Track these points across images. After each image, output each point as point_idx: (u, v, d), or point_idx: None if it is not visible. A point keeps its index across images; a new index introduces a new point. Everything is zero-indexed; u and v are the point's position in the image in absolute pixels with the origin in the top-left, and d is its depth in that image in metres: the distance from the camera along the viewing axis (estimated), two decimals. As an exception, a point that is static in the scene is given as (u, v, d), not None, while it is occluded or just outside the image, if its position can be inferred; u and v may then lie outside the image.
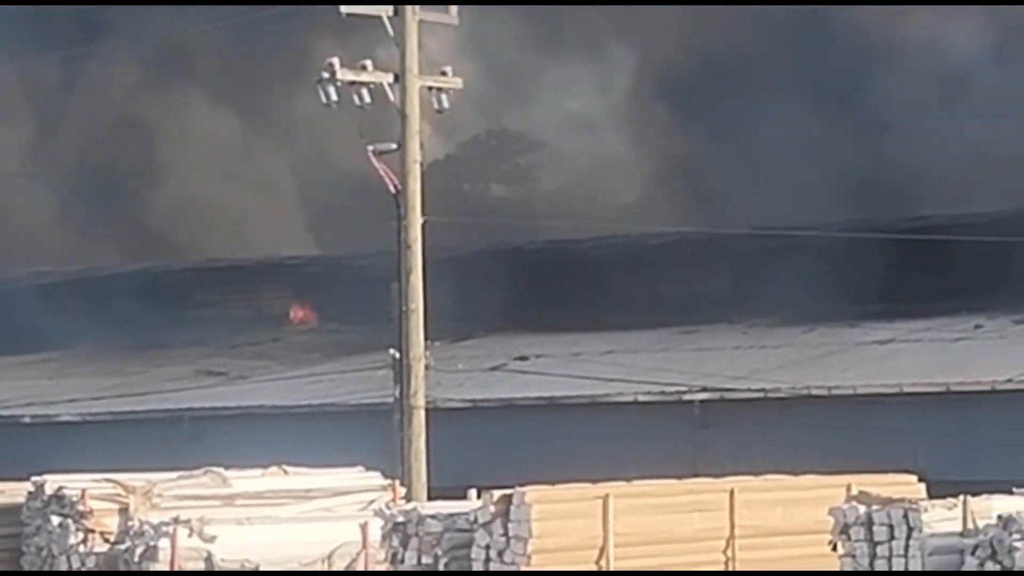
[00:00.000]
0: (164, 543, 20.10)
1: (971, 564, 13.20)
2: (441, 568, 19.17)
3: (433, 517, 16.70)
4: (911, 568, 15.69)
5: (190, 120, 47.87)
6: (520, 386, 33.96)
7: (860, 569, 15.33)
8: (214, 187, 46.66)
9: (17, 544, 21.73)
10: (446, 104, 24.85)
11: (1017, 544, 12.40)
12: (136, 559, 20.63)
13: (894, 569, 16.58)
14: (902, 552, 14.23)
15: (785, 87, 40.45)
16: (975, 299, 33.71)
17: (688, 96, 43.37)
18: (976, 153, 39.47)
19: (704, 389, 29.71)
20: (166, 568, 20.70)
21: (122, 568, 21.66)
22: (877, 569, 16.12)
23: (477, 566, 16.01)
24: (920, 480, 21.22)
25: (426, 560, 16.59)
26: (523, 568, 18.89)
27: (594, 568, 19.23)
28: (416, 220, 24.32)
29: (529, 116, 47.41)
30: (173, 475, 21.87)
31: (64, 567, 21.47)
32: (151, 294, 42.30)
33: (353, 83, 24.02)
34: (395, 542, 16.83)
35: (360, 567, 19.93)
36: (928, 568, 13.49)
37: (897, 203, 40.35)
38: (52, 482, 20.98)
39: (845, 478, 20.31)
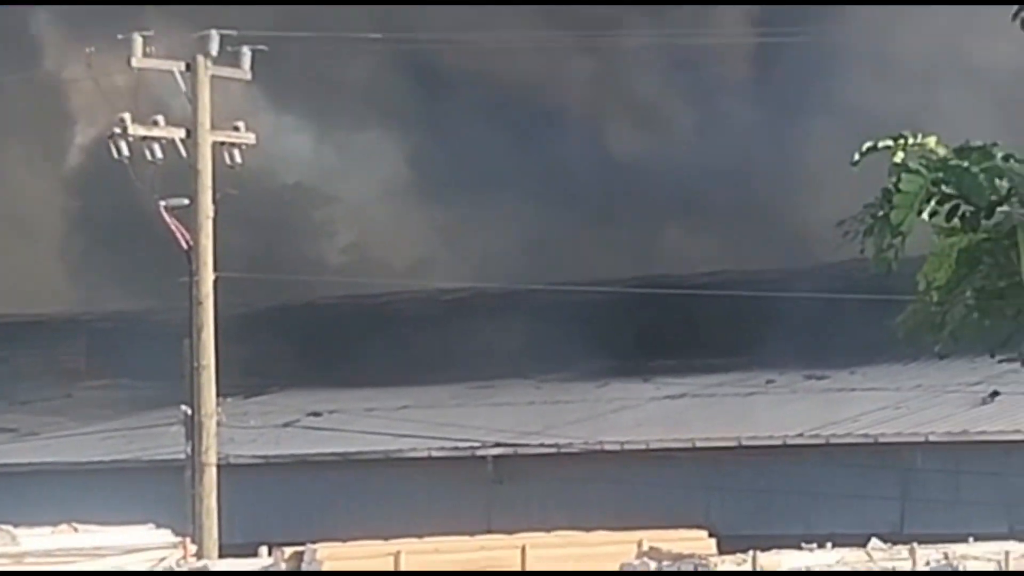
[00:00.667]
0: None
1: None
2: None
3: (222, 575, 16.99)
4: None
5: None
6: (313, 442, 33.96)
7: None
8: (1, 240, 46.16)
9: None
10: (239, 159, 24.76)
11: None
12: None
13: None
14: (694, 605, 14.82)
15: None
16: (767, 354, 34.35)
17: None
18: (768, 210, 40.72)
19: (497, 444, 29.85)
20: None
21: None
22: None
23: (265, 622, 16.43)
24: (711, 535, 21.88)
25: (213, 615, 16.94)
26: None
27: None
28: (208, 276, 24.30)
29: (324, 171, 47.43)
30: (-41, 534, 21.43)
31: None
32: (-63, 350, 41.72)
33: (145, 138, 23.87)
34: (184, 600, 17.04)
35: (150, 624, 20.35)
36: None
37: (690, 258, 41.04)
38: None
39: (637, 534, 20.90)
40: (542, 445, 29.17)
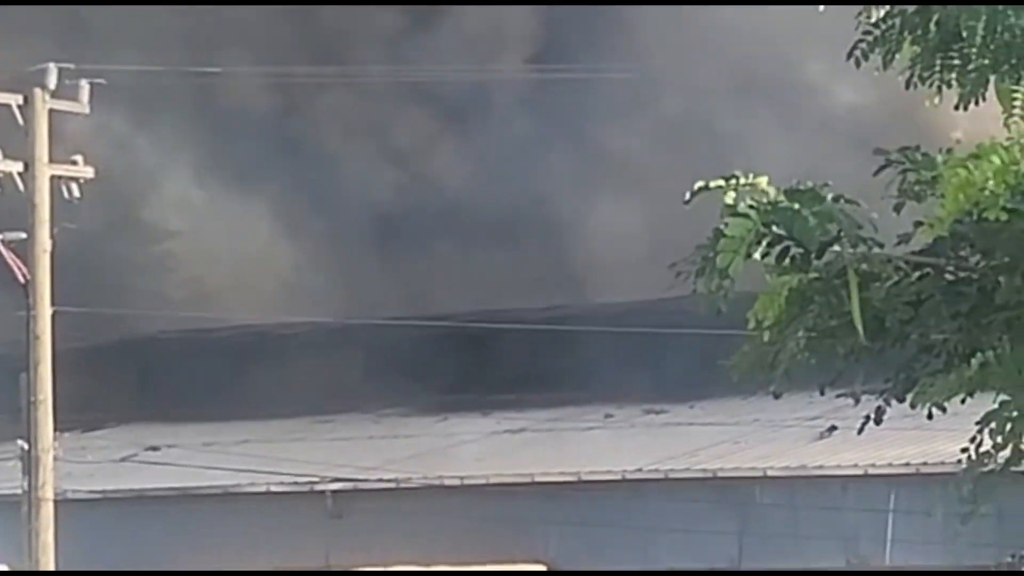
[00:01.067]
0: None
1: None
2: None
3: (57, 611, 17.04)
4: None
5: None
6: (151, 476, 33.09)
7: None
8: None
9: None
10: (77, 193, 24.52)
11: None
12: None
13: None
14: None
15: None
16: (605, 388, 34.34)
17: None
18: (604, 245, 40.87)
19: (336, 479, 29.54)
20: None
21: None
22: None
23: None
24: (549, 570, 22.45)
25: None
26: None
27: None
28: (45, 311, 24.24)
29: (164, 205, 46.34)
30: None
31: None
32: None
33: None
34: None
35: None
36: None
37: (530, 293, 41.13)
38: None
39: (476, 568, 21.32)
40: (381, 480, 29.06)
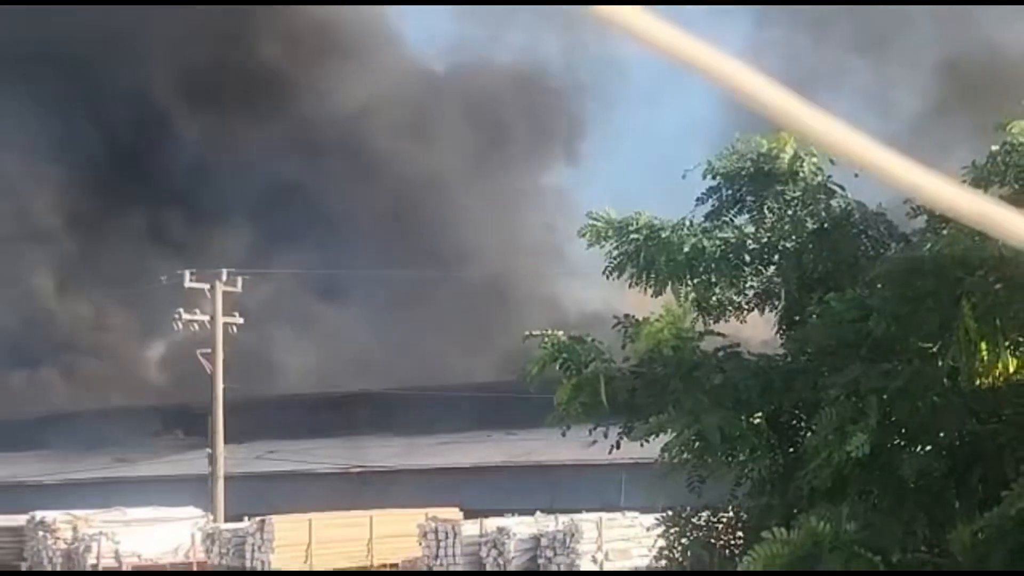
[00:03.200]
0: (94, 543, 31.59)
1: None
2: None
3: None
4: None
5: None
6: (272, 465, 42.47)
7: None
8: None
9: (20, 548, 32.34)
10: (234, 329, 37.54)
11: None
12: (81, 552, 31.57)
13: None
14: None
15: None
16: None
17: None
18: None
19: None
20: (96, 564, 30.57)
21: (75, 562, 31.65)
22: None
23: None
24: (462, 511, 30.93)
25: None
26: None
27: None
28: (219, 386, 37.23)
29: (281, 324, 55.75)
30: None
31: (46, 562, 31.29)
32: None
33: (189, 321, 37.03)
34: None
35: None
36: None
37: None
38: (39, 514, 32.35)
39: (419, 510, 30.75)
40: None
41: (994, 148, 11.73)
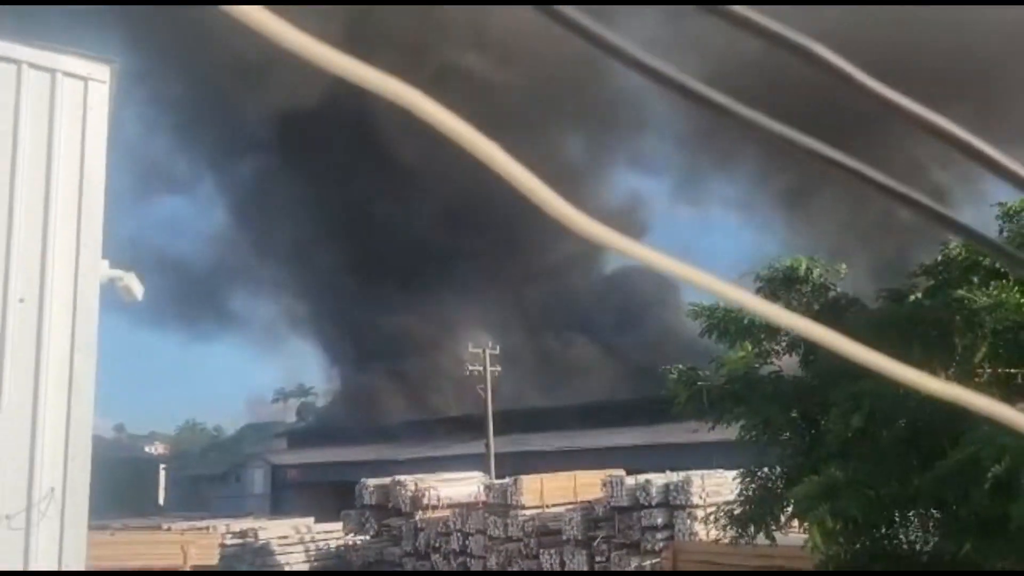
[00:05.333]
0: (426, 491, 35.09)
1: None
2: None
3: None
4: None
5: None
6: (536, 443, 44.38)
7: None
8: None
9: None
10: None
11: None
12: (419, 496, 34.62)
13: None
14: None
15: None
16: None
17: None
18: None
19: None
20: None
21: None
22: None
23: None
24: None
25: None
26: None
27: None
28: (489, 406, 40.81)
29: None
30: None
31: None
32: None
33: (471, 371, 42.72)
34: None
35: None
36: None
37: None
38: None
39: (594, 472, 30.69)
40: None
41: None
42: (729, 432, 13.01)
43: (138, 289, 9.22)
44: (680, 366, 13.37)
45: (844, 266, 13.67)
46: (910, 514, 11.30)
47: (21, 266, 8.26)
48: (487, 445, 41.45)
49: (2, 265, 8.20)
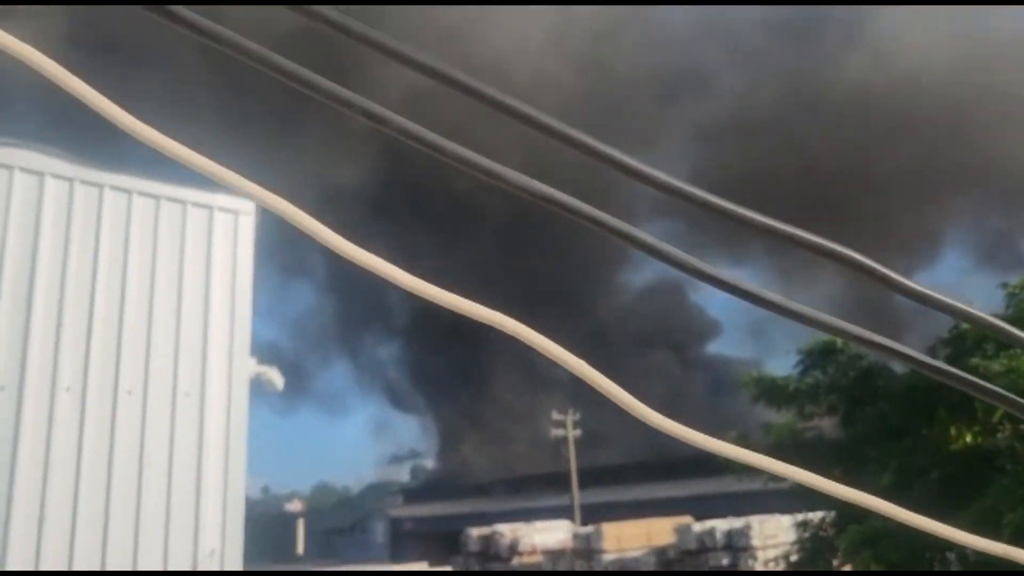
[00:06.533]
0: (520, 539, 43.36)
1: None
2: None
3: None
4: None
5: None
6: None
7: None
8: None
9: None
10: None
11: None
12: (514, 544, 41.99)
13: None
14: None
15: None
16: None
17: None
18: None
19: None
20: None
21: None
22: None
23: None
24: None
25: None
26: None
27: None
28: (571, 451, 41.22)
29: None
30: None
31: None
32: None
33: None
34: None
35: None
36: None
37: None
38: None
39: (662, 520, 33.07)
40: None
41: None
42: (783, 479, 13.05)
43: (279, 381, 9.50)
44: (732, 433, 13.30)
45: None
46: (948, 555, 10.65)
47: (185, 366, 8.58)
48: (571, 498, 41.01)
49: (171, 366, 8.54)
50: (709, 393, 61.03)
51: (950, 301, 1.12)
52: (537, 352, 0.86)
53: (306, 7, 0.81)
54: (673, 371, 65.72)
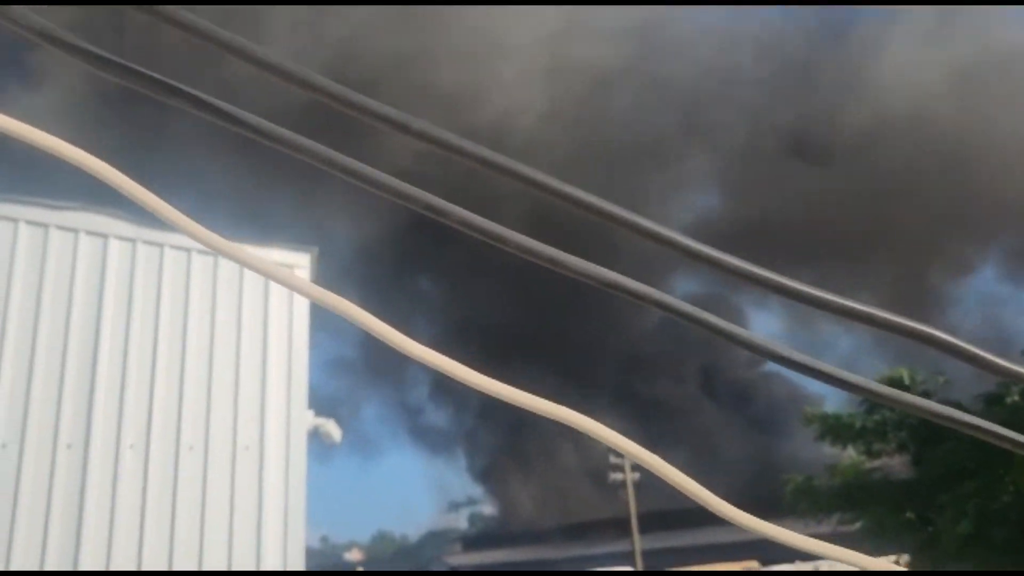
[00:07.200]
0: None
1: None
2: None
3: None
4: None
5: None
6: None
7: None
8: None
9: None
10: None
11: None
12: None
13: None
14: None
15: None
16: None
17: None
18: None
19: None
20: None
21: None
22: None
23: None
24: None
25: None
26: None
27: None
28: (628, 483, 38.08)
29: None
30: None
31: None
32: None
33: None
34: None
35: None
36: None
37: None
38: None
39: (737, 564, 36.79)
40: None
41: None
42: (848, 523, 12.45)
43: (336, 433, 9.61)
44: (796, 476, 12.90)
45: (943, 377, 13.07)
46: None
47: (244, 419, 8.70)
48: (632, 543, 40.18)
49: (231, 420, 8.68)
50: (764, 416, 60.14)
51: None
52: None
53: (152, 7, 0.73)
54: (724, 395, 65.31)
